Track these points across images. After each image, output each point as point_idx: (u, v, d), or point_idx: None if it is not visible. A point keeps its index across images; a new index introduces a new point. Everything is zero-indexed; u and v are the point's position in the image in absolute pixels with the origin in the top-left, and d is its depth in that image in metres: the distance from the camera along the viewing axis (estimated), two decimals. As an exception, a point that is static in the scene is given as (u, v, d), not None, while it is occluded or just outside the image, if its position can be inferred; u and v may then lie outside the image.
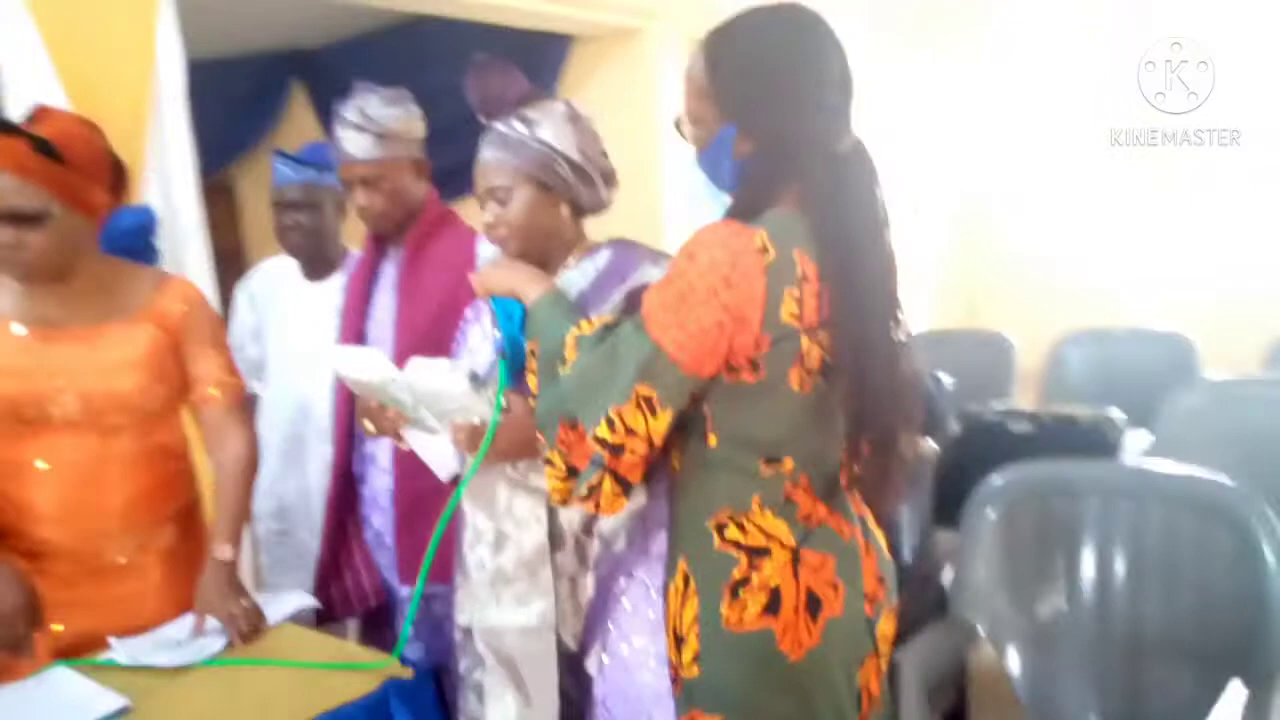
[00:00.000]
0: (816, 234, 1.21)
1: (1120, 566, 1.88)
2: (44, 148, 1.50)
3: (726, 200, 1.44)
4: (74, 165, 1.54)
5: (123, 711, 1.37)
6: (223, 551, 1.65)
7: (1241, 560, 1.74)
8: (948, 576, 2.09)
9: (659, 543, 1.46)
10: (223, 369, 1.73)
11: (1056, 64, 4.53)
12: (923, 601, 2.05)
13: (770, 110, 1.23)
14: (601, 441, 1.21)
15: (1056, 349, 3.82)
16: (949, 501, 2.53)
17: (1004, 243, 4.78)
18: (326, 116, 5.40)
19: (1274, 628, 1.69)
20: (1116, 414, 2.65)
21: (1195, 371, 3.44)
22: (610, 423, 1.20)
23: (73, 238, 1.57)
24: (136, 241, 2.33)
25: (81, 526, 1.60)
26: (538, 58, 4.05)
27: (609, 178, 1.58)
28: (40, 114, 1.57)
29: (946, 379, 2.79)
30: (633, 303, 1.43)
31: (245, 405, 1.78)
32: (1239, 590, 1.74)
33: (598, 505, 1.27)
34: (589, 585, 1.49)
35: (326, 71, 5.21)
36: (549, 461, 1.31)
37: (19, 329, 1.58)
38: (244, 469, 1.72)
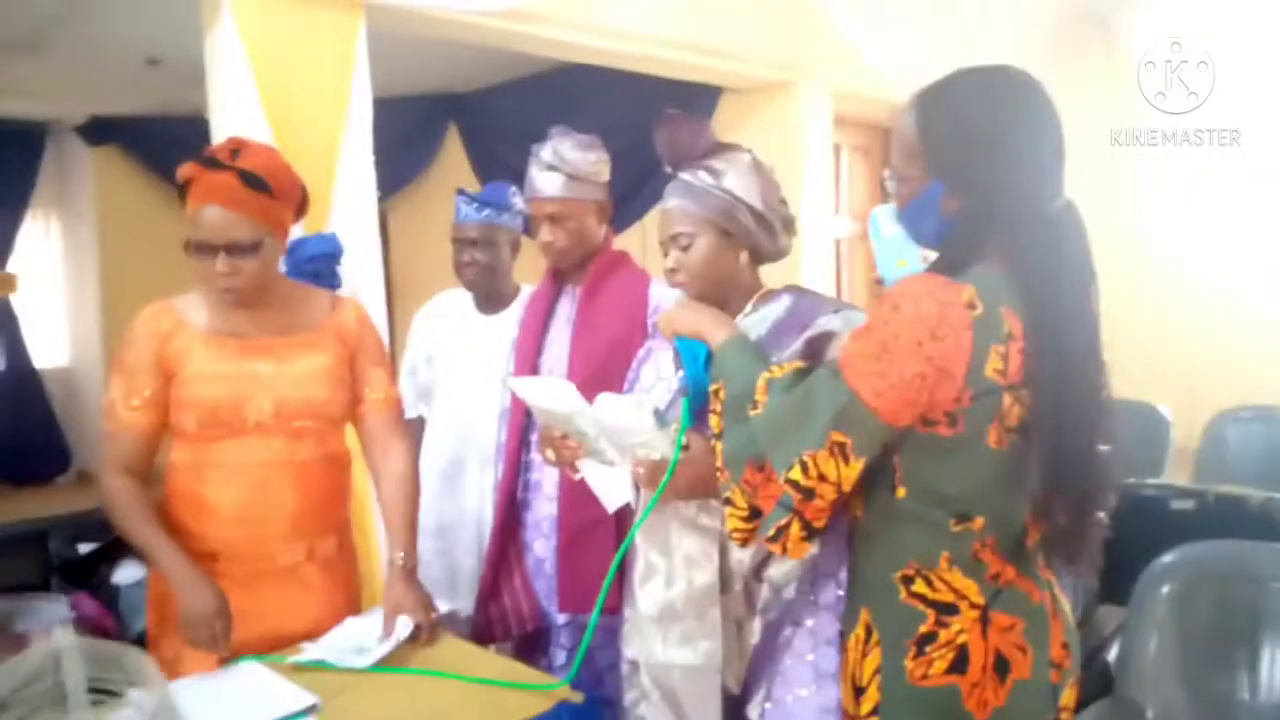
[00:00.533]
0: (1024, 293, 1.21)
1: (1308, 659, 1.77)
2: (254, 181, 1.62)
3: (894, 255, 1.45)
4: (278, 195, 1.66)
5: (313, 709, 1.43)
6: (402, 558, 1.73)
7: None
8: (1112, 653, 2.01)
9: (828, 593, 1.45)
10: (388, 384, 1.85)
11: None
12: (1088, 677, 1.97)
13: (981, 168, 1.24)
14: (794, 484, 1.23)
15: (1214, 425, 3.64)
16: (1106, 576, 2.43)
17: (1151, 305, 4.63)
18: (477, 156, 5.69)
19: None
20: (1291, 498, 2.51)
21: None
22: (804, 466, 1.22)
23: (274, 260, 1.71)
24: (322, 267, 2.48)
25: (258, 529, 1.68)
26: (687, 107, 4.14)
27: (789, 226, 1.61)
28: (237, 146, 1.66)
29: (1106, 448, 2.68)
30: (812, 350, 1.45)
31: (404, 420, 1.89)
32: None
33: (784, 548, 1.28)
34: (755, 630, 1.49)
35: (479, 114, 5.45)
36: (730, 501, 1.33)
37: (218, 340, 1.69)
38: (410, 478, 1.82)
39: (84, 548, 3.44)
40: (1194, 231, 4.60)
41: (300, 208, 1.78)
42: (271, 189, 1.64)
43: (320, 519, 1.75)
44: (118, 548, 3.29)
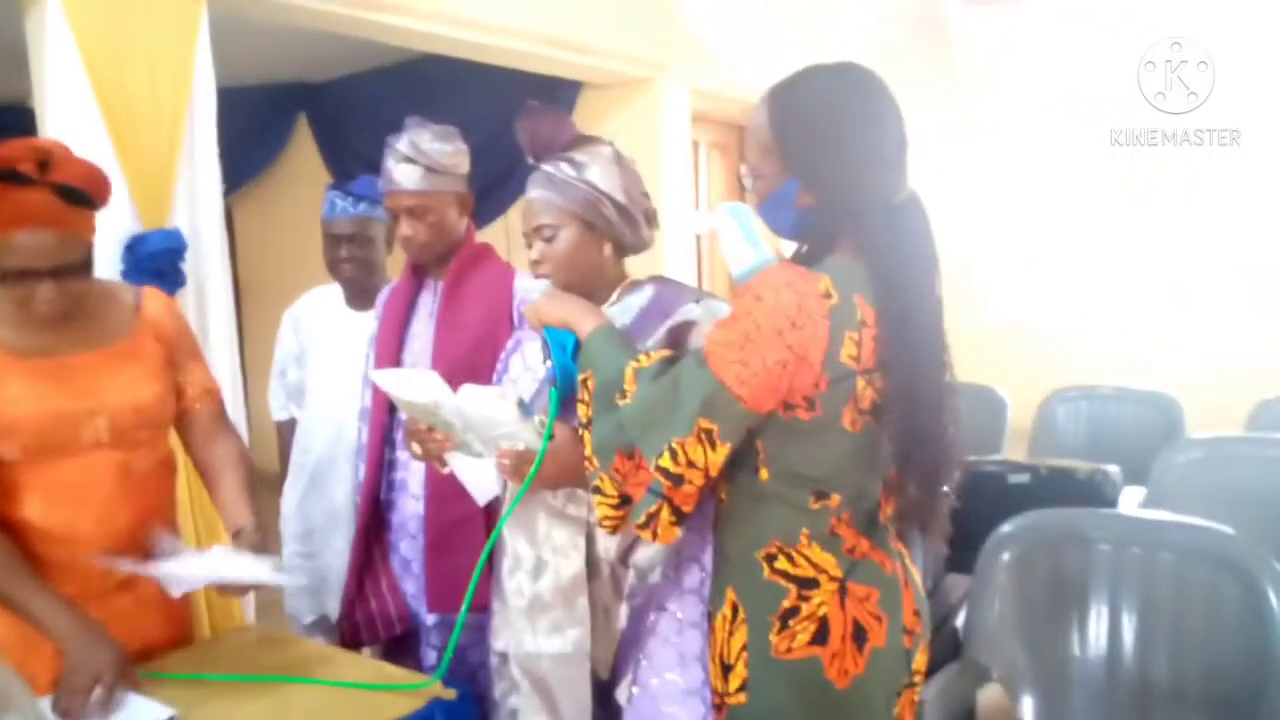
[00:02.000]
0: (874, 281, 1.27)
1: (1130, 614, 1.93)
2: (76, 197, 1.46)
3: (756, 246, 1.51)
4: (99, 203, 1.53)
5: (170, 723, 1.36)
6: (250, 523, 1.62)
7: (1249, 611, 1.80)
8: (959, 619, 2.13)
9: (691, 576, 1.49)
10: (208, 377, 1.76)
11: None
12: (936, 643, 2.09)
13: (834, 167, 1.29)
14: (664, 471, 1.26)
15: (1045, 405, 3.91)
16: (951, 547, 2.58)
17: (991, 296, 4.89)
18: (329, 148, 5.51)
19: (1280, 677, 1.75)
20: (1113, 469, 2.73)
21: (1181, 430, 3.54)
22: (673, 453, 1.25)
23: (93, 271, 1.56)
24: (165, 264, 2.37)
25: (94, 545, 1.57)
26: (547, 101, 4.14)
27: (651, 218, 1.64)
28: (42, 156, 1.46)
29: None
30: (675, 338, 1.48)
31: (225, 411, 1.80)
32: (1247, 641, 1.80)
33: (655, 534, 1.31)
34: (622, 615, 1.52)
35: (331, 105, 5.29)
36: (599, 489, 1.35)
37: (30, 362, 1.53)
38: (242, 459, 1.73)
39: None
40: (1047, 228, 4.82)
41: None
42: (94, 201, 1.50)
43: (155, 526, 1.63)
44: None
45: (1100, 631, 1.95)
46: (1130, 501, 2.82)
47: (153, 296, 1.72)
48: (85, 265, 1.50)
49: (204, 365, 1.77)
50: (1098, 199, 4.82)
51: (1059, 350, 4.75)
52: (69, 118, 2.29)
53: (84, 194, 1.47)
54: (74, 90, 2.29)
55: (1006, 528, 2.05)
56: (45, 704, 1.37)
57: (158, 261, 2.34)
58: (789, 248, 1.44)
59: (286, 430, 2.53)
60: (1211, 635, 1.85)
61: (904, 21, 4.86)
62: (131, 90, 2.33)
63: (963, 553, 2.20)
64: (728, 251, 1.62)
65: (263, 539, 1.62)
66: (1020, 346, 4.68)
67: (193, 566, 1.53)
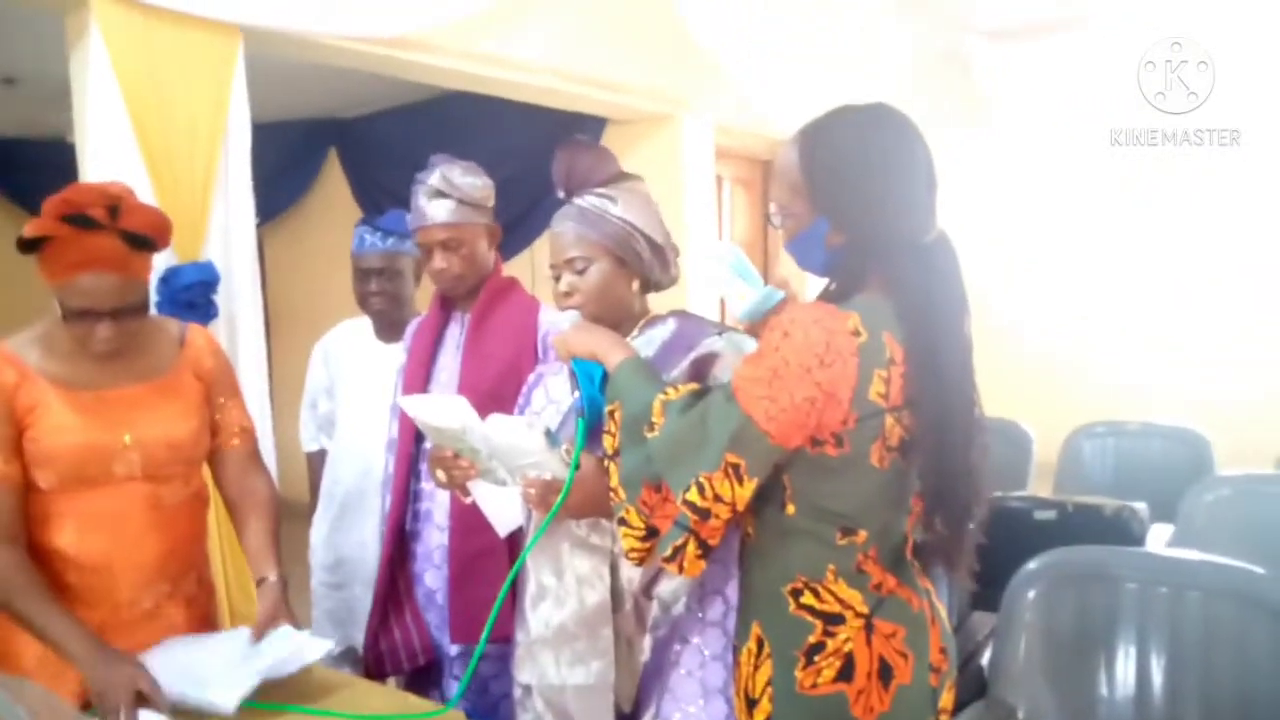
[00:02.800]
0: (903, 319, 1.28)
1: (1159, 654, 1.90)
2: (142, 243, 1.54)
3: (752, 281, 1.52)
4: (161, 247, 1.59)
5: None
6: (273, 574, 1.66)
7: (1279, 648, 1.77)
8: (985, 657, 2.11)
9: (714, 609, 1.49)
10: (244, 416, 1.80)
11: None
12: (963, 680, 2.07)
13: (863, 208, 1.30)
14: (691, 505, 1.26)
15: (1070, 441, 3.87)
16: (977, 584, 2.56)
17: (1010, 325, 4.85)
18: (358, 182, 5.60)
19: (1314, 719, 1.72)
20: (1141, 506, 2.70)
21: (1209, 467, 3.50)
22: (700, 488, 1.25)
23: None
24: (198, 295, 2.41)
25: (120, 577, 1.60)
26: (568, 136, 4.19)
27: (676, 255, 1.66)
28: (113, 202, 1.53)
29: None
30: (698, 371, 1.49)
31: (259, 450, 1.84)
32: (1277, 677, 1.77)
33: (681, 567, 1.31)
34: (645, 648, 1.51)
35: (360, 140, 5.38)
36: (625, 521, 1.35)
37: (73, 393, 1.58)
38: (271, 502, 1.77)
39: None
40: (1060, 242, 4.76)
41: None
42: (158, 245, 1.57)
43: (184, 559, 1.70)
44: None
45: (1128, 672, 1.92)
46: (1158, 539, 2.79)
47: (197, 334, 1.77)
48: (143, 306, 1.57)
49: (241, 404, 1.80)
50: (1100, 203, 4.79)
51: (1083, 382, 4.71)
52: (108, 153, 2.35)
53: (149, 240, 1.55)
54: (114, 126, 2.35)
55: (1032, 565, 2.03)
56: None
57: (191, 293, 2.39)
58: (813, 282, 1.45)
59: (317, 461, 2.56)
60: (1242, 676, 1.82)
61: (928, 56, 4.89)
62: (169, 126, 2.39)
63: (988, 590, 2.18)
64: (726, 292, 1.63)
65: (284, 591, 1.65)
66: (1043, 379, 4.64)
67: (238, 677, 1.52)
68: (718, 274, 1.63)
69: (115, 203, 1.52)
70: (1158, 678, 1.90)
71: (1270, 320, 4.51)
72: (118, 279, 1.51)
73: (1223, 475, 3.00)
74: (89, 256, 1.48)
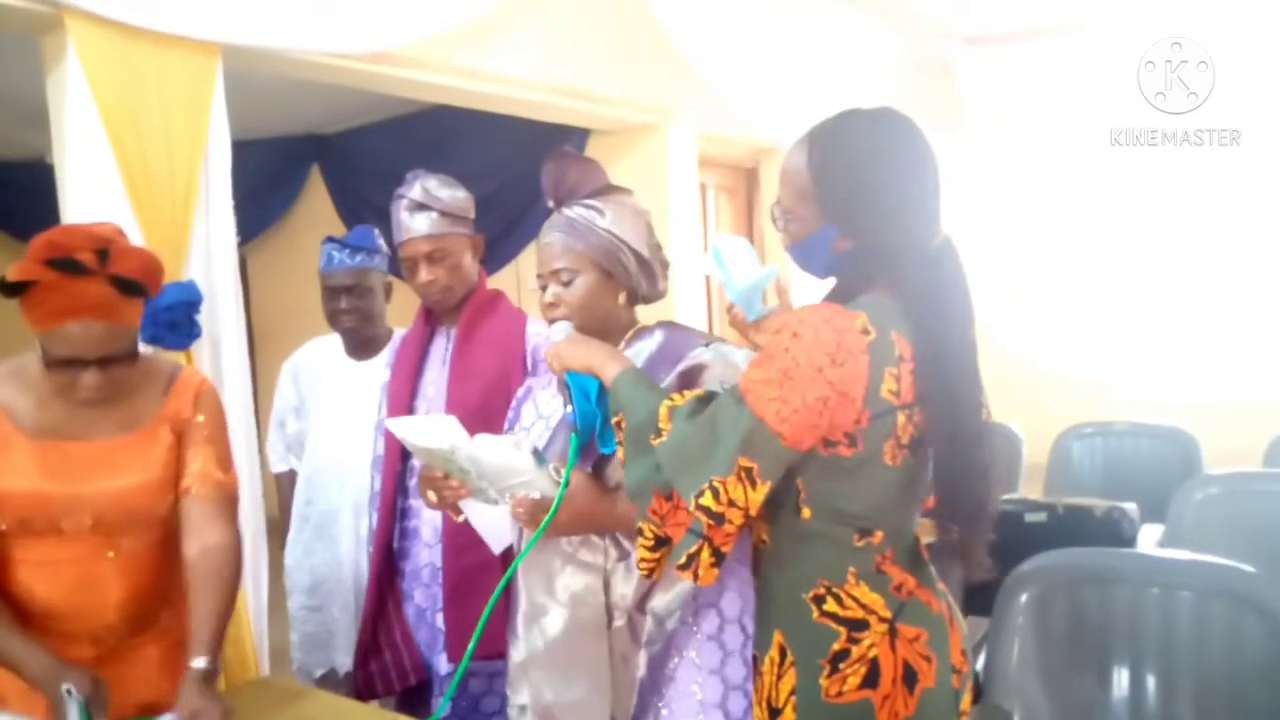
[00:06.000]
0: (910, 318, 1.28)
1: (1152, 655, 1.91)
2: (133, 289, 1.46)
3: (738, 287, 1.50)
4: (153, 292, 1.51)
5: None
6: (202, 661, 1.48)
7: (1272, 649, 1.78)
8: (979, 662, 2.10)
9: (709, 622, 1.48)
10: (215, 464, 1.63)
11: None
12: (958, 687, 2.06)
13: (873, 214, 1.29)
14: (705, 510, 1.24)
15: (1060, 442, 3.89)
16: (969, 588, 2.56)
17: (1000, 329, 4.87)
18: (342, 198, 5.58)
19: (1308, 716, 1.72)
20: (1131, 507, 2.71)
21: (1198, 466, 3.51)
22: (715, 492, 1.23)
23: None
24: (180, 316, 2.38)
25: (80, 622, 1.55)
26: (551, 149, 4.19)
27: (666, 269, 1.65)
28: (103, 245, 1.46)
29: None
30: (686, 382, 1.48)
31: (232, 504, 1.66)
32: (1270, 679, 1.77)
33: (696, 574, 1.30)
34: (641, 663, 1.50)
35: (343, 156, 5.38)
36: (639, 532, 1.34)
37: (42, 443, 1.51)
38: (222, 566, 1.57)
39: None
40: (1054, 247, 4.76)
41: None
42: (149, 291, 1.49)
43: (151, 601, 1.62)
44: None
45: (1122, 673, 1.92)
46: (1148, 539, 2.80)
47: (186, 383, 1.65)
48: (131, 353, 1.50)
49: (218, 453, 1.65)
50: (1100, 203, 4.80)
51: (1072, 384, 4.72)
52: (87, 173, 2.33)
53: (140, 286, 1.47)
54: (93, 146, 2.33)
55: (1024, 568, 2.03)
56: None
57: (173, 314, 2.36)
58: (800, 277, 1.44)
59: (286, 482, 2.54)
60: (1234, 674, 1.82)
61: (910, 63, 4.92)
62: (148, 145, 2.37)
63: (981, 594, 2.19)
64: (723, 280, 1.57)
65: (212, 682, 1.50)
66: (1032, 381, 4.65)
67: None
68: (714, 270, 1.58)
69: (105, 245, 1.44)
70: (1151, 679, 1.90)
71: (1267, 319, 4.53)
72: (106, 327, 1.43)
73: (1211, 474, 3.01)
74: (76, 304, 1.40)
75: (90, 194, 2.31)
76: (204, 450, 1.62)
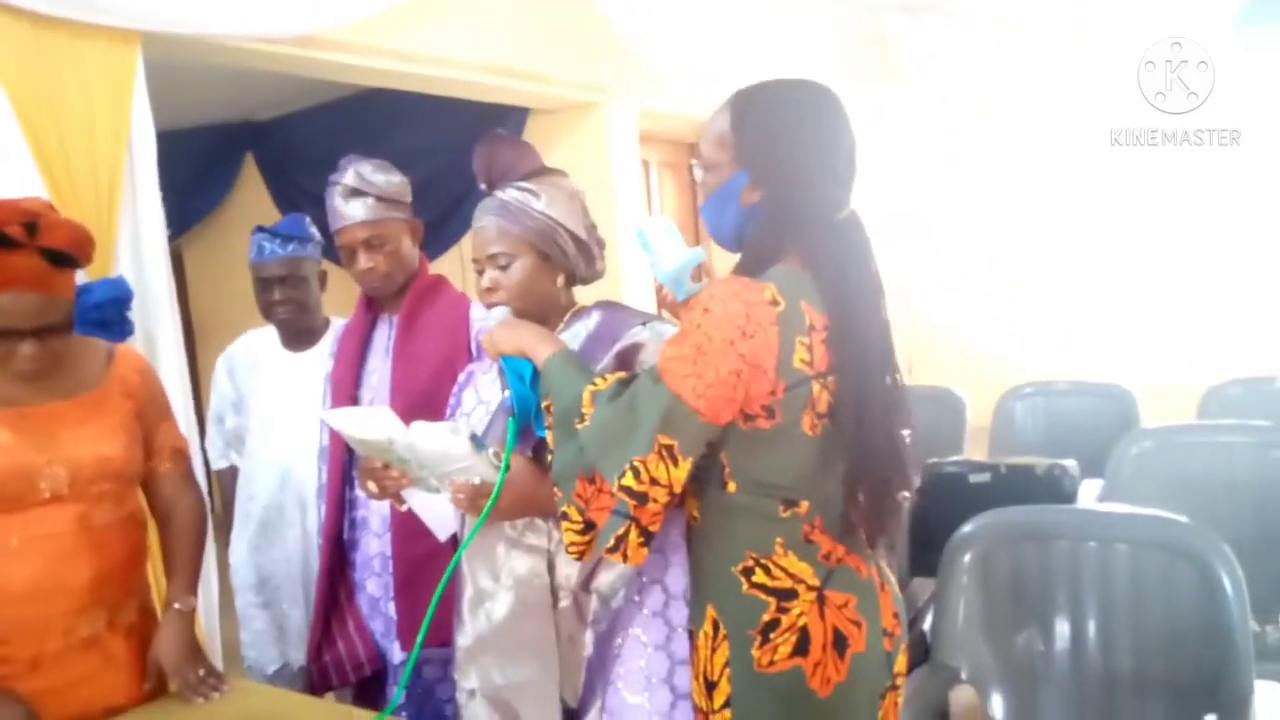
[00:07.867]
0: (821, 287, 1.29)
1: (1091, 607, 1.97)
2: (64, 260, 1.51)
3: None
4: (84, 263, 1.56)
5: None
6: (185, 601, 1.67)
7: (1205, 596, 1.84)
8: (927, 622, 2.15)
9: (654, 599, 1.49)
10: (177, 437, 1.79)
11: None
12: (907, 647, 2.10)
13: (784, 163, 1.32)
14: (628, 490, 1.25)
15: (1002, 403, 3.96)
16: (917, 550, 2.61)
17: (942, 298, 4.93)
18: (278, 186, 5.46)
19: (1239, 659, 1.79)
20: (1071, 463, 2.77)
21: (1135, 421, 3.61)
22: (635, 472, 1.25)
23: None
24: (111, 314, 2.32)
25: (53, 604, 1.55)
26: (491, 128, 4.15)
27: (602, 248, 1.65)
28: (31, 219, 1.50)
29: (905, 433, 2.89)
30: (623, 362, 1.49)
31: (191, 467, 1.82)
32: (1204, 625, 1.84)
33: (625, 555, 1.31)
34: (588, 642, 1.51)
35: (278, 143, 5.25)
36: (565, 516, 1.34)
37: None
38: (198, 524, 1.77)
39: None
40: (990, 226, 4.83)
41: None
42: (80, 262, 1.54)
43: (120, 585, 1.64)
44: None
45: (1063, 626, 1.98)
46: (1088, 494, 2.88)
47: (126, 352, 1.75)
48: (67, 324, 1.53)
49: (173, 425, 1.79)
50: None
51: (1015, 349, 4.81)
52: (4, 171, 2.25)
53: (70, 257, 1.52)
54: (8, 141, 2.25)
55: (968, 528, 2.08)
56: None
57: (103, 311, 2.29)
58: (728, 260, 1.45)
59: (227, 478, 2.50)
60: (1170, 622, 1.89)
61: (849, 37, 4.93)
62: (67, 139, 2.30)
63: (928, 555, 2.23)
64: (651, 262, 1.59)
65: (190, 622, 1.68)
66: (976, 345, 4.72)
67: None
68: (643, 246, 1.59)
69: (34, 219, 1.49)
70: (1091, 629, 1.97)
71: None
72: (39, 298, 1.48)
73: (1145, 429, 3.10)
74: (7, 276, 1.45)
75: (8, 191, 2.22)
76: (165, 424, 1.75)
